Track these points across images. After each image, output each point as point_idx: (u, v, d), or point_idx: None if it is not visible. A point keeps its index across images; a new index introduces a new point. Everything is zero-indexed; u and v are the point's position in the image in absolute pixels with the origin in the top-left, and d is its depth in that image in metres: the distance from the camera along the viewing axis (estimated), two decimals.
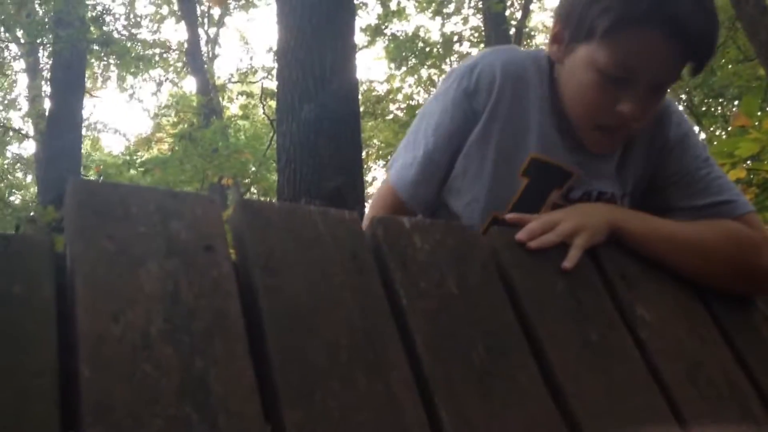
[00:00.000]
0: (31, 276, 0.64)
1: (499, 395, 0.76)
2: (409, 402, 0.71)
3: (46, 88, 10.13)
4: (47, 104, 9.39)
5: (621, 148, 1.17)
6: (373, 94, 12.86)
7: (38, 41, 9.19)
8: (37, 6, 8.20)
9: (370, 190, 10.99)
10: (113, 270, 0.66)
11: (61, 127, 7.79)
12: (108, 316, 0.63)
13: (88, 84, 10.44)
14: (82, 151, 9.79)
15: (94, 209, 0.69)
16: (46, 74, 10.64)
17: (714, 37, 1.05)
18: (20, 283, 0.63)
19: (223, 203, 10.06)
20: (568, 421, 0.78)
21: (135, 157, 12.48)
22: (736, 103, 6.87)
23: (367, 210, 1.28)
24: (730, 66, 6.55)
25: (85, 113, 8.93)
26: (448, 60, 12.61)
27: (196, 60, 11.32)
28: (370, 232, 0.85)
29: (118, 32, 10.86)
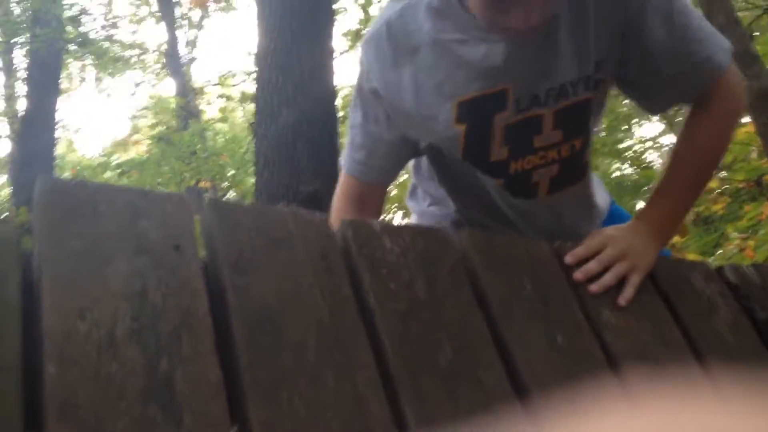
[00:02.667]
0: None
1: (464, 395, 0.77)
2: (375, 402, 0.71)
3: (22, 88, 10.02)
4: (21, 104, 9.29)
5: (554, 24, 1.06)
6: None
7: (14, 40, 9.09)
8: (14, 4, 8.11)
9: None
10: (80, 268, 0.66)
11: (36, 128, 7.71)
12: (74, 313, 0.63)
13: (65, 84, 10.34)
14: (57, 152, 9.68)
15: (62, 207, 0.69)
16: (21, 74, 10.53)
17: None
18: None
19: (200, 206, 9.99)
20: (533, 421, 0.79)
21: (111, 159, 12.37)
22: None
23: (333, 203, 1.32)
24: None
25: (60, 114, 8.86)
26: None
27: (174, 62, 11.26)
28: (339, 233, 0.85)
29: (96, 33, 10.78)
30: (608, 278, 1.01)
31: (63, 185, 0.72)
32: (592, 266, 1.02)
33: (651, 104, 1.20)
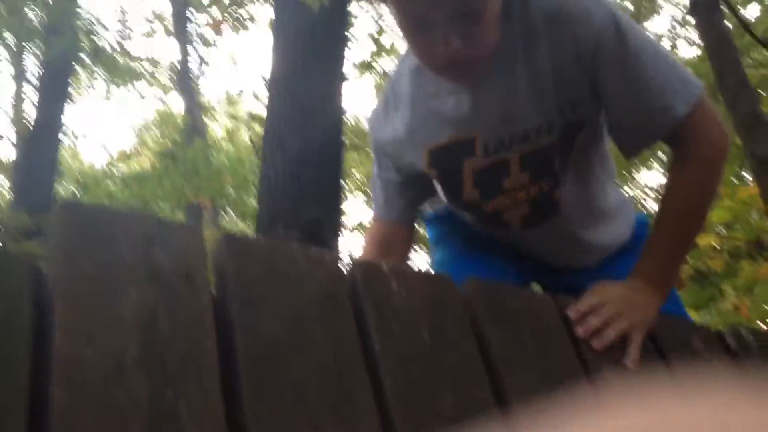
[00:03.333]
0: (10, 294, 0.64)
1: None
2: None
3: (31, 94, 10.09)
4: (29, 109, 9.35)
5: (505, 74, 1.11)
6: (359, 127, 12.96)
7: (27, 47, 9.16)
8: (29, 13, 8.20)
9: (348, 221, 11.00)
10: (93, 294, 0.67)
11: (42, 135, 7.74)
12: (84, 339, 0.63)
13: (73, 94, 10.40)
14: (62, 160, 9.71)
15: (78, 231, 0.70)
16: (32, 80, 10.60)
17: None
18: None
19: (198, 223, 10.01)
20: None
21: (114, 170, 12.41)
22: None
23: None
24: None
25: (66, 121, 8.90)
26: None
27: (184, 78, 11.35)
28: (348, 273, 0.86)
29: (109, 44, 10.87)
30: (610, 335, 1.02)
31: (81, 209, 0.73)
32: (593, 322, 1.02)
33: (620, 148, 1.22)
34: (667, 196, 1.17)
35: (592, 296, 1.06)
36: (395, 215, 1.35)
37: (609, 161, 1.31)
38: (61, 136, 8.61)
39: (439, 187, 1.29)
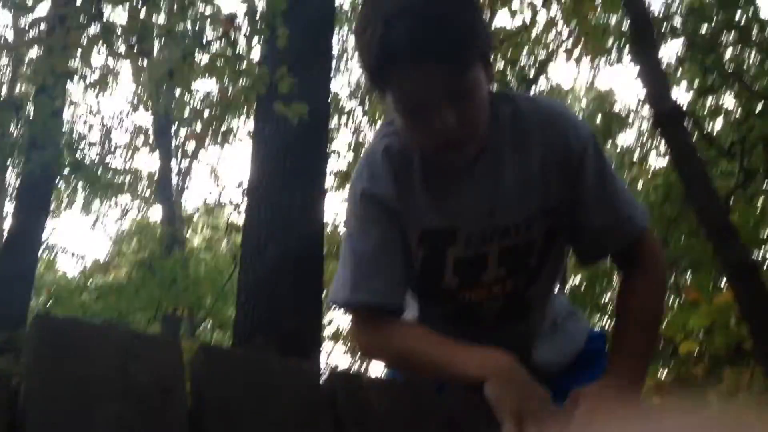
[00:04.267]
0: None
1: None
2: None
3: (9, 207, 10.09)
4: (7, 223, 9.32)
5: (497, 166, 1.15)
6: (339, 236, 13.04)
7: (8, 162, 9.24)
8: (12, 126, 8.31)
9: (328, 331, 10.87)
10: (66, 411, 0.65)
11: (18, 248, 7.67)
12: None
13: (53, 206, 10.42)
14: (36, 271, 9.60)
15: (54, 346, 0.69)
16: (11, 192, 10.63)
17: (455, 24, 1.03)
18: None
19: (175, 333, 9.83)
20: None
21: (90, 282, 12.26)
22: (689, 273, 7.13)
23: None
24: (682, 239, 6.85)
25: (44, 234, 8.85)
26: None
27: (165, 190, 11.45)
28: (327, 385, 0.85)
29: (91, 159, 10.99)
30: None
31: (56, 324, 0.72)
32: None
33: (581, 254, 1.27)
34: (627, 303, 1.20)
35: (582, 414, 1.05)
36: (377, 300, 1.15)
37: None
38: (38, 250, 8.55)
39: (417, 270, 1.21)
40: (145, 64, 4.99)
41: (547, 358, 1.33)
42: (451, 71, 1.04)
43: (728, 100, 7.46)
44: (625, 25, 6.28)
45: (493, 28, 6.93)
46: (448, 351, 1.10)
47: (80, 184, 11.40)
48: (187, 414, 0.72)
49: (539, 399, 1.00)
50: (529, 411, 0.96)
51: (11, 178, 10.99)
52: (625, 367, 1.14)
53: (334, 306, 1.26)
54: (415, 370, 1.13)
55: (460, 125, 1.06)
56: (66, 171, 9.62)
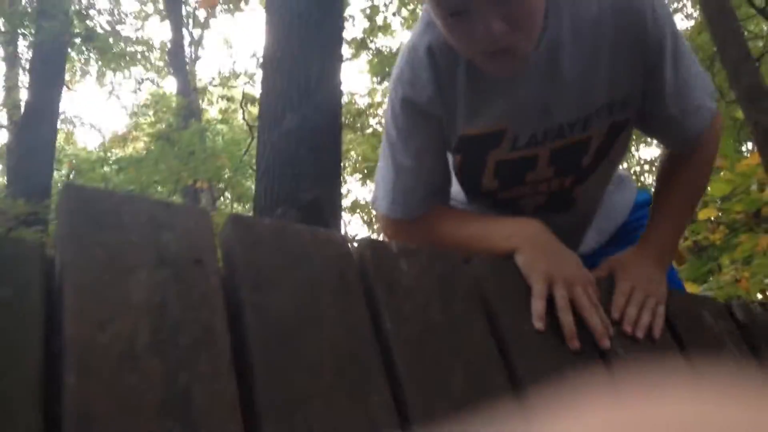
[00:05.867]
0: (19, 280, 0.64)
1: (476, 422, 0.77)
2: (387, 425, 0.71)
3: (24, 79, 10.01)
4: (23, 95, 9.28)
5: (554, 65, 1.05)
6: (354, 107, 12.91)
7: (19, 31, 9.07)
8: None
9: (345, 202, 10.99)
10: (103, 278, 0.66)
11: (36, 120, 7.68)
12: (95, 324, 0.63)
13: (67, 77, 10.32)
14: (56, 144, 9.66)
15: (86, 216, 0.69)
16: (25, 64, 10.52)
17: None
18: (8, 287, 0.63)
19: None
20: None
21: (109, 155, 12.35)
22: None
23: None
24: None
25: (61, 107, 8.83)
26: None
27: (178, 60, 11.27)
28: (357, 253, 0.85)
29: (102, 27, 10.77)
30: (646, 320, 1.04)
31: (88, 194, 0.72)
32: (631, 313, 1.04)
33: (659, 139, 1.24)
34: (677, 173, 1.19)
35: (621, 283, 1.07)
36: (418, 211, 1.16)
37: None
38: (57, 120, 8.56)
39: (454, 170, 1.21)
40: None
41: (591, 245, 1.34)
42: None
43: None
44: None
45: None
46: (479, 227, 1.11)
47: (92, 54, 11.24)
48: (220, 283, 0.72)
49: (569, 263, 1.01)
50: (559, 274, 0.97)
51: (23, 50, 10.84)
52: (662, 238, 1.16)
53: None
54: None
55: (509, 30, 0.94)
56: (78, 40, 9.46)
